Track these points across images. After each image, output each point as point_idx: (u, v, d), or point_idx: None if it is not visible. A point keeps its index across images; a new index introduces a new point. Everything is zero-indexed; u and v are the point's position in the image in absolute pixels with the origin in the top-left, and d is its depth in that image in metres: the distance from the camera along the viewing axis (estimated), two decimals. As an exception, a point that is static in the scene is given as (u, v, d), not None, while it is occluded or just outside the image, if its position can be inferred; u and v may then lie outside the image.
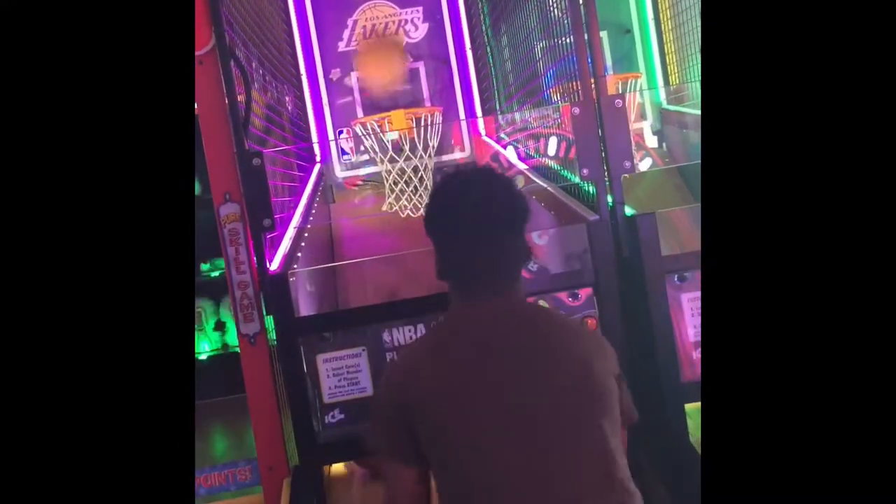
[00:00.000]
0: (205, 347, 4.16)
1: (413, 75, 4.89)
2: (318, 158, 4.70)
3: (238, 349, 2.46)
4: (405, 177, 4.19)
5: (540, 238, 2.44)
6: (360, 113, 4.78)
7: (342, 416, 2.34)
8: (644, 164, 4.04)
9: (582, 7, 2.41)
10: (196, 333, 4.17)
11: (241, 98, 2.43)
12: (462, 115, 4.86)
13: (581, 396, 1.47)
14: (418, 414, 1.48)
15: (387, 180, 4.32)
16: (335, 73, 4.89)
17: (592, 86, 2.41)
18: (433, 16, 4.92)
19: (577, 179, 2.57)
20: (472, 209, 1.55)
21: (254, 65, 3.16)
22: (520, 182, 3.52)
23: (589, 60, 2.42)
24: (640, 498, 1.52)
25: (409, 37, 4.89)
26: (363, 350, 2.35)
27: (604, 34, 4.56)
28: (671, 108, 4.41)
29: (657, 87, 4.49)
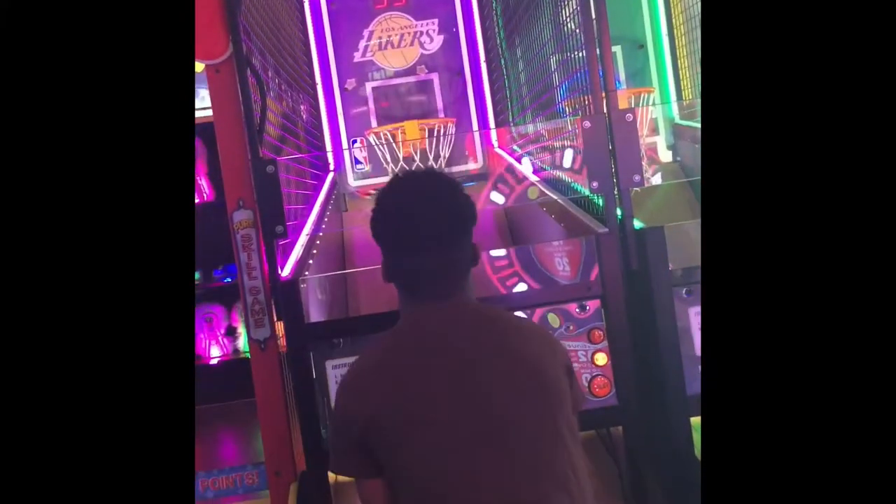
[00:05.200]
0: (216, 352, 4.20)
1: (427, 86, 4.93)
2: (331, 167, 4.73)
3: (249, 354, 2.48)
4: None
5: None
6: (373, 123, 4.82)
7: (349, 422, 2.35)
8: (655, 179, 4.05)
9: (595, 22, 2.44)
10: (208, 339, 4.20)
11: (256, 106, 2.46)
12: (475, 126, 4.89)
13: (535, 397, 1.47)
14: (373, 428, 1.46)
15: (399, 190, 4.33)
16: (350, 83, 4.93)
17: (603, 100, 2.43)
18: (449, 28, 4.96)
19: (587, 192, 2.58)
20: (417, 212, 1.54)
21: (269, 73, 3.20)
22: (532, 194, 3.54)
23: (601, 74, 2.44)
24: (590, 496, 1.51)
25: (425, 48, 4.93)
26: (372, 357, 2.37)
27: (618, 49, 4.59)
28: (684, 122, 4.42)
29: (670, 102, 4.51)
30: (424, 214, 1.54)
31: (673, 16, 4.60)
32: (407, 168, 4.17)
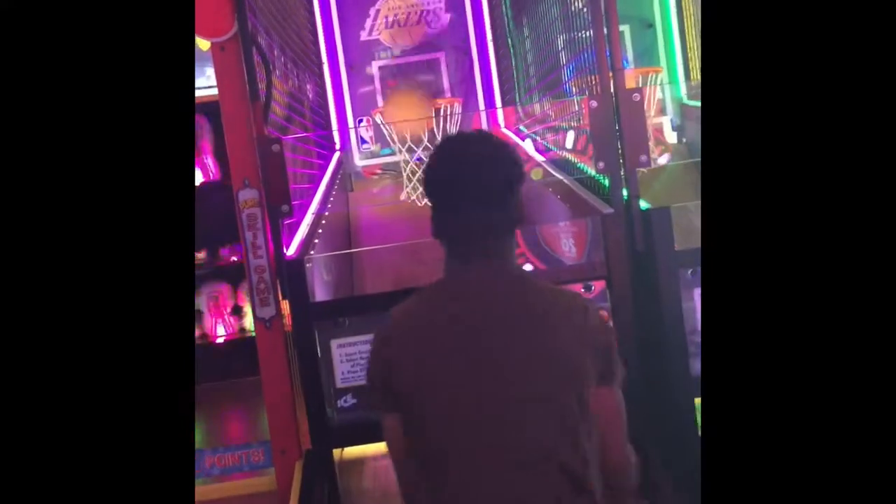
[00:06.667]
0: (222, 331, 4.21)
1: (434, 65, 4.91)
2: (337, 147, 4.72)
3: (254, 333, 2.49)
4: (423, 166, 4.21)
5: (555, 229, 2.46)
6: (380, 102, 4.80)
7: (354, 400, 2.37)
8: (662, 160, 4.04)
9: (602, 1, 2.41)
10: (214, 317, 4.22)
11: (261, 85, 2.45)
12: (482, 105, 4.87)
13: (551, 368, 1.49)
14: (395, 370, 1.53)
15: (405, 170, 4.34)
16: (356, 63, 4.92)
17: (611, 79, 2.42)
18: (455, 6, 4.93)
19: (593, 172, 2.57)
20: (468, 170, 1.56)
21: (275, 52, 3.19)
22: (536, 175, 3.53)
23: (608, 54, 2.42)
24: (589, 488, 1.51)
25: (431, 27, 4.90)
26: (377, 336, 2.37)
27: (626, 28, 4.56)
28: (691, 103, 4.40)
29: (678, 82, 4.48)
30: (474, 171, 1.56)
31: (682, -5, 4.57)
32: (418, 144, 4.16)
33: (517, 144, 4.25)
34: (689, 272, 2.34)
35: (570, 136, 3.07)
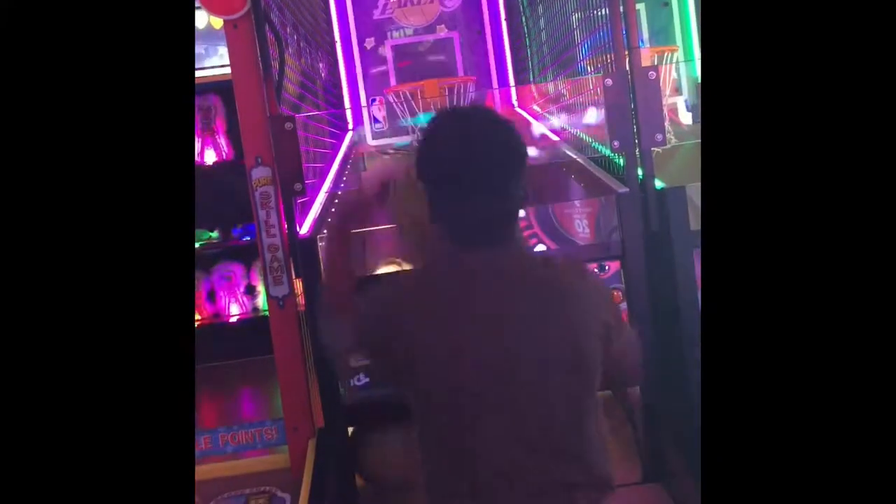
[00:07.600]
0: (235, 310, 4.23)
1: (447, 45, 4.88)
2: (350, 126, 4.71)
3: (267, 312, 2.49)
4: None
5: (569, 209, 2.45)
6: (392, 81, 4.78)
7: (367, 379, 2.38)
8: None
9: (618, -22, 2.39)
10: (227, 297, 4.23)
11: (274, 63, 2.44)
12: (495, 85, 4.84)
13: (557, 361, 1.42)
14: (401, 340, 1.44)
15: (418, 149, 4.31)
16: (369, 42, 4.89)
17: (626, 58, 2.39)
18: (469, -15, 4.89)
19: (608, 151, 2.55)
20: (465, 151, 1.42)
21: (288, 30, 3.17)
22: (552, 153, 3.51)
23: (623, 32, 2.40)
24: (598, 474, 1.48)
25: (445, 6, 4.87)
26: (390, 315, 2.37)
27: (641, 7, 4.51)
28: (708, 82, 4.35)
29: (694, 61, 4.44)
30: (469, 154, 1.42)
31: (698, -27, 4.51)
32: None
33: (520, 120, 4.22)
34: (705, 252, 2.33)
35: (590, 113, 3.04)
